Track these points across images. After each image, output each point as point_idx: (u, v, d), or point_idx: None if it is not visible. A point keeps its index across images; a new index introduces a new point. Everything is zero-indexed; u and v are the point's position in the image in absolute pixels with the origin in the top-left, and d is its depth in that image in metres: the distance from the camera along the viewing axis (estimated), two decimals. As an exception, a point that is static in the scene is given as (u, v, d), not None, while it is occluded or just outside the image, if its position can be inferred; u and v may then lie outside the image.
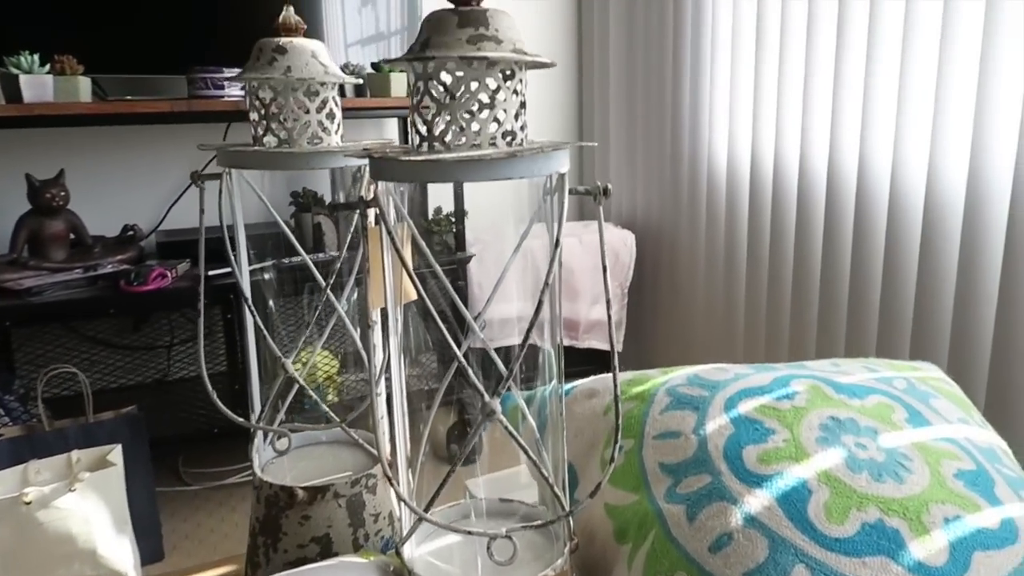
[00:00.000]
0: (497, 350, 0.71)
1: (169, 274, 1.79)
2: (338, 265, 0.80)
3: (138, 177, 2.11)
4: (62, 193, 1.79)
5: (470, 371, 0.55)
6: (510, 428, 0.57)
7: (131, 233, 1.98)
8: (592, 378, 0.82)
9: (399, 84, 1.96)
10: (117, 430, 1.67)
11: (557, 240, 0.56)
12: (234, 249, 0.79)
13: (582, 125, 2.55)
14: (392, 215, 0.64)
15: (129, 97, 1.84)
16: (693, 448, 0.66)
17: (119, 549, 1.49)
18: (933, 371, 0.81)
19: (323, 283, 0.82)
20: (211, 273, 1.79)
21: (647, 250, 2.27)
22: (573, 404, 0.79)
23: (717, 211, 1.98)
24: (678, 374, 0.76)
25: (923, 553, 0.55)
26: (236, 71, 1.79)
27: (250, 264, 0.82)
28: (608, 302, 0.59)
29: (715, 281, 2.01)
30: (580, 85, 2.54)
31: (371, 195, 0.66)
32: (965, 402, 0.76)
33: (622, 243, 2.20)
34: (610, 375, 0.82)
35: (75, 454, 1.50)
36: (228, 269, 1.77)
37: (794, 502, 0.59)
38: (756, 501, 0.59)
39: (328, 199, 1.96)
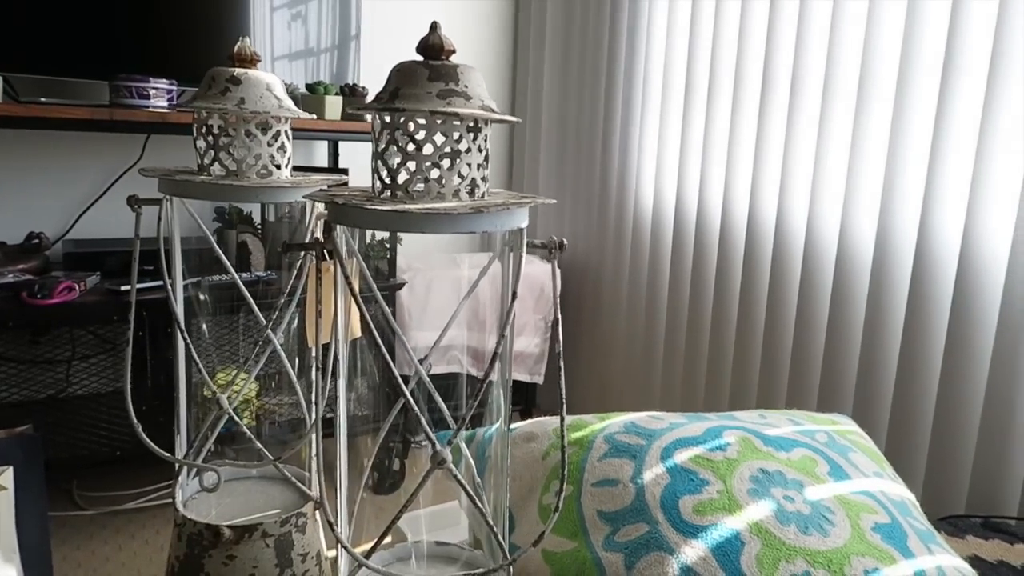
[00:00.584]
0: (435, 377, 0.71)
1: (77, 287, 1.70)
2: (280, 301, 0.79)
3: (46, 183, 2.00)
4: (-38, 196, 1.68)
5: (423, 419, 0.55)
6: (460, 478, 0.57)
7: (36, 241, 1.87)
8: (529, 421, 0.83)
9: (333, 107, 1.94)
10: (9, 451, 1.57)
11: (514, 293, 0.57)
12: (170, 274, 0.76)
13: (512, 161, 2.58)
14: (343, 252, 0.64)
15: (44, 100, 1.75)
16: (631, 497, 0.67)
17: (5, 580, 1.40)
18: (849, 424, 0.86)
19: (263, 320, 0.81)
20: (124, 288, 1.71)
21: (571, 285, 2.31)
22: (511, 447, 0.79)
23: (641, 252, 2.04)
24: (615, 421, 0.78)
25: (845, 605, 0.58)
26: (164, 81, 1.73)
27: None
28: (559, 354, 0.60)
29: (636, 320, 2.07)
30: (513, 111, 2.58)
31: (318, 234, 0.65)
32: (879, 456, 0.81)
33: (548, 276, 2.23)
34: (546, 419, 0.84)
35: (-38, 477, 1.40)
36: (142, 285, 1.69)
37: (728, 553, 0.61)
38: (692, 552, 0.61)
39: (256, 218, 1.91)
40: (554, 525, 0.69)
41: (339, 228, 0.59)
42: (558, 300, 0.60)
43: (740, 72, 1.71)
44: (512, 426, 0.83)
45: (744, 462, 0.71)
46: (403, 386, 0.56)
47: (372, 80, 2.27)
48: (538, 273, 2.26)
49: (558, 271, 0.62)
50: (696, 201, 1.86)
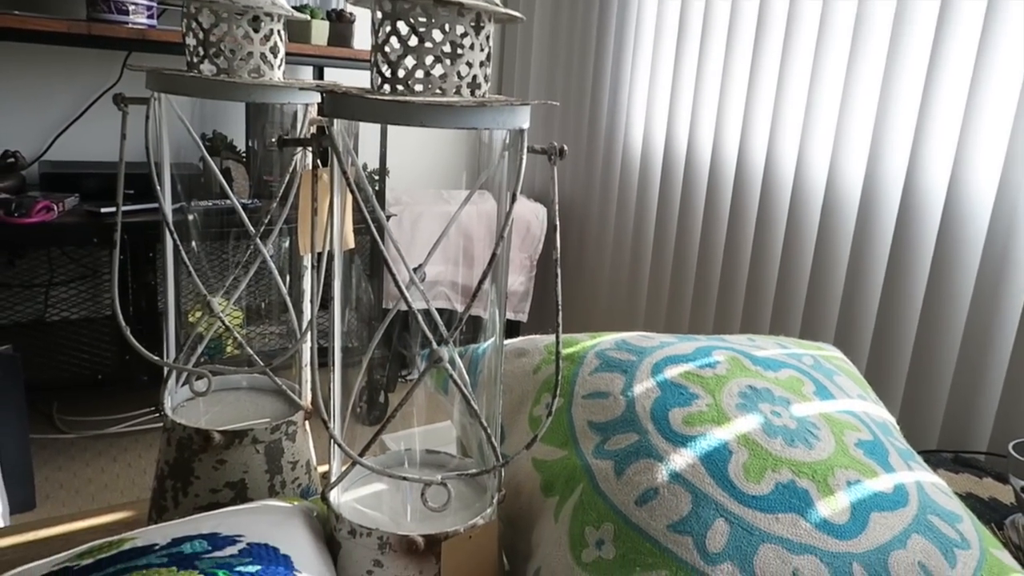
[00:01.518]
0: (423, 312, 0.71)
1: (55, 208, 1.67)
2: (276, 205, 0.78)
3: (21, 100, 1.94)
4: (-64, 109, 1.63)
5: (419, 317, 0.55)
6: (454, 376, 0.57)
7: (11, 160, 1.83)
8: (520, 338, 0.84)
9: (319, 31, 1.89)
10: (-12, 370, 1.55)
11: (514, 194, 0.57)
12: (159, 180, 0.75)
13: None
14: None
15: (17, 12, 1.69)
16: (621, 408, 0.68)
17: (-13, 496, 1.40)
18: (835, 351, 0.87)
19: (252, 230, 0.80)
20: (104, 210, 1.68)
21: (558, 219, 2.31)
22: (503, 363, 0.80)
23: (628, 191, 2.03)
24: (606, 339, 0.79)
25: (828, 512, 0.60)
26: (145, -4, 1.67)
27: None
28: (557, 260, 0.60)
29: (621, 258, 2.07)
30: (501, 58, 2.53)
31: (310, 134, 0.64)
32: (862, 381, 0.83)
33: (534, 216, 2.22)
34: (537, 336, 0.84)
35: (-59, 393, 1.39)
36: (126, 208, 1.66)
37: (716, 462, 0.62)
38: (681, 459, 0.62)
39: (240, 145, 1.87)
40: (545, 435, 0.70)
41: (336, 125, 0.58)
42: (556, 208, 0.60)
43: (735, 10, 1.69)
44: (504, 342, 0.83)
45: (733, 379, 0.71)
46: (403, 289, 0.56)
47: (358, 9, 2.21)
48: (524, 212, 2.24)
49: (556, 179, 0.62)
50: (686, 140, 1.84)
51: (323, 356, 0.82)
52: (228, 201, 0.88)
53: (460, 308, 2.05)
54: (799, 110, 1.56)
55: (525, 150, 0.59)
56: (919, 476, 0.68)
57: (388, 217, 1.79)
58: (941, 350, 1.33)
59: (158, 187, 0.71)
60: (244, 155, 1.90)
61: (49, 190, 1.77)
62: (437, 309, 2.18)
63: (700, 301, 1.81)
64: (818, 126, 1.52)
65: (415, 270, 0.70)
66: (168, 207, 0.72)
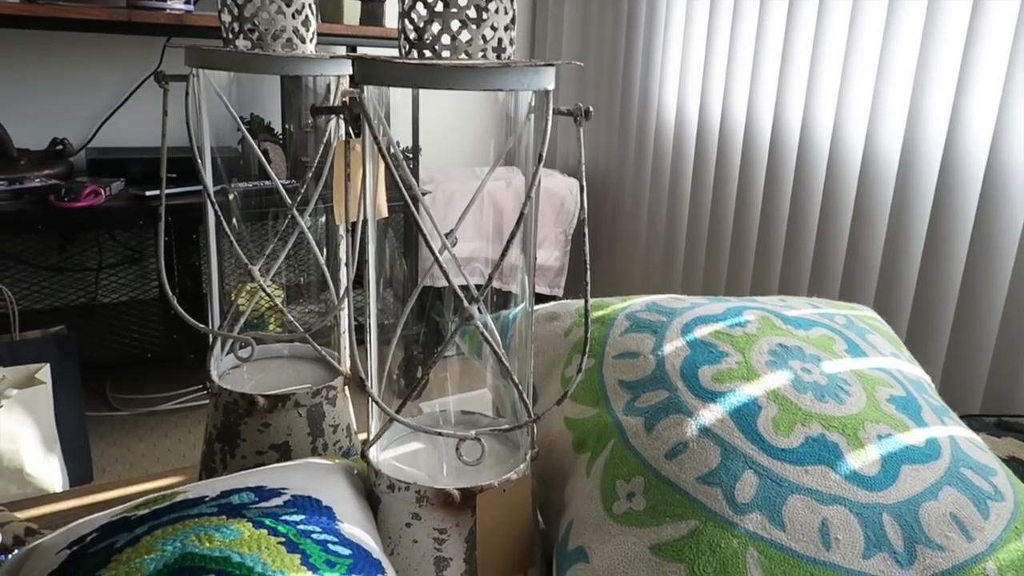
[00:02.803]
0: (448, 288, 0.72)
1: (103, 192, 1.72)
2: (311, 180, 0.80)
3: (68, 88, 2.00)
4: (-13, 99, 1.69)
5: (449, 275, 0.57)
6: (485, 334, 0.59)
7: (60, 147, 1.89)
8: (552, 303, 0.85)
9: (351, 11, 1.91)
10: (45, 349, 1.62)
11: (541, 155, 0.58)
12: (199, 154, 0.77)
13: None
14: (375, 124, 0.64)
15: (61, 2, 1.74)
16: (651, 367, 0.69)
17: (47, 468, 1.46)
18: (869, 312, 0.87)
19: (288, 201, 0.82)
20: (149, 193, 1.73)
21: (591, 199, 2.30)
22: (534, 327, 0.81)
23: (662, 164, 2.02)
24: (637, 301, 0.79)
25: (858, 464, 0.60)
26: (181, -17, 1.71)
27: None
28: (584, 221, 0.61)
29: (656, 227, 2.06)
30: (533, 34, 2.53)
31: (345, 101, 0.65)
32: (896, 340, 0.82)
33: (567, 191, 2.23)
34: (568, 301, 0.85)
35: (0, 371, 1.45)
36: (170, 191, 1.71)
37: (745, 416, 0.63)
38: (710, 414, 0.63)
39: (277, 127, 1.90)
40: (576, 394, 0.71)
41: (367, 92, 0.60)
42: (583, 168, 0.60)
43: (770, -28, 1.66)
44: (536, 307, 0.85)
45: (763, 337, 0.72)
46: (433, 247, 0.57)
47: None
48: (558, 187, 2.25)
49: (582, 140, 0.62)
50: (721, 101, 1.83)
51: (360, 333, 0.84)
52: (267, 182, 0.91)
53: (495, 283, 2.07)
54: (835, 74, 1.54)
55: (551, 112, 0.60)
56: (952, 431, 0.68)
57: (424, 194, 1.81)
58: (983, 313, 1.31)
59: (199, 163, 0.74)
60: (281, 137, 1.93)
61: (96, 175, 1.83)
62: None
63: (736, 269, 1.80)
64: (855, 90, 1.50)
65: (447, 235, 0.72)
66: (209, 180, 0.74)
